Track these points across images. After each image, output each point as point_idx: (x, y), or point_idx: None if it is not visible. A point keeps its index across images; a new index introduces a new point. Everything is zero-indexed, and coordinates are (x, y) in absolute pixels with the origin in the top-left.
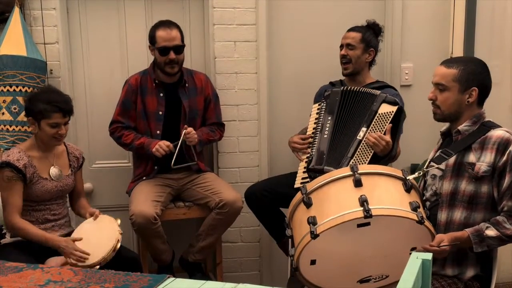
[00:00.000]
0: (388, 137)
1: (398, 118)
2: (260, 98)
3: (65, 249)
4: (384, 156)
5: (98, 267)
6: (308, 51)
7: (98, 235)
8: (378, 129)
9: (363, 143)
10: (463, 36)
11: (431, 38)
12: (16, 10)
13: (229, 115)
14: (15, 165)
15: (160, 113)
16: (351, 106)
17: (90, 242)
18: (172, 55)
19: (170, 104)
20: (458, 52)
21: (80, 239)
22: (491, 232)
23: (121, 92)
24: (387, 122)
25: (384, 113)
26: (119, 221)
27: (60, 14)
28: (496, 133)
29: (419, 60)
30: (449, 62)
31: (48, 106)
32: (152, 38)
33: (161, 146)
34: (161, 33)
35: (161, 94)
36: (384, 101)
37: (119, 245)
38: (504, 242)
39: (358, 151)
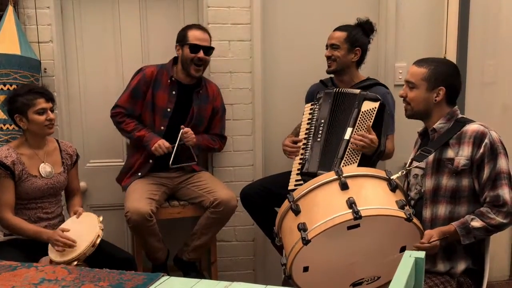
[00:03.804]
0: (372, 135)
1: (381, 114)
2: (255, 97)
3: (53, 238)
4: (373, 153)
5: (76, 263)
6: (302, 50)
7: (79, 231)
8: (363, 127)
9: (351, 143)
10: (457, 36)
11: (425, 38)
12: (10, 8)
13: None
14: (2, 162)
15: (169, 110)
16: (340, 108)
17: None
18: (201, 53)
19: (179, 104)
20: (452, 51)
21: (68, 230)
22: (476, 223)
23: (133, 78)
24: (371, 119)
25: (367, 110)
26: (101, 218)
27: (54, 13)
28: (471, 127)
29: (413, 60)
30: (421, 62)
31: (29, 95)
32: (183, 37)
33: (161, 146)
34: (194, 32)
35: (174, 92)
36: (365, 98)
37: (99, 240)
38: (490, 232)
39: (348, 151)
